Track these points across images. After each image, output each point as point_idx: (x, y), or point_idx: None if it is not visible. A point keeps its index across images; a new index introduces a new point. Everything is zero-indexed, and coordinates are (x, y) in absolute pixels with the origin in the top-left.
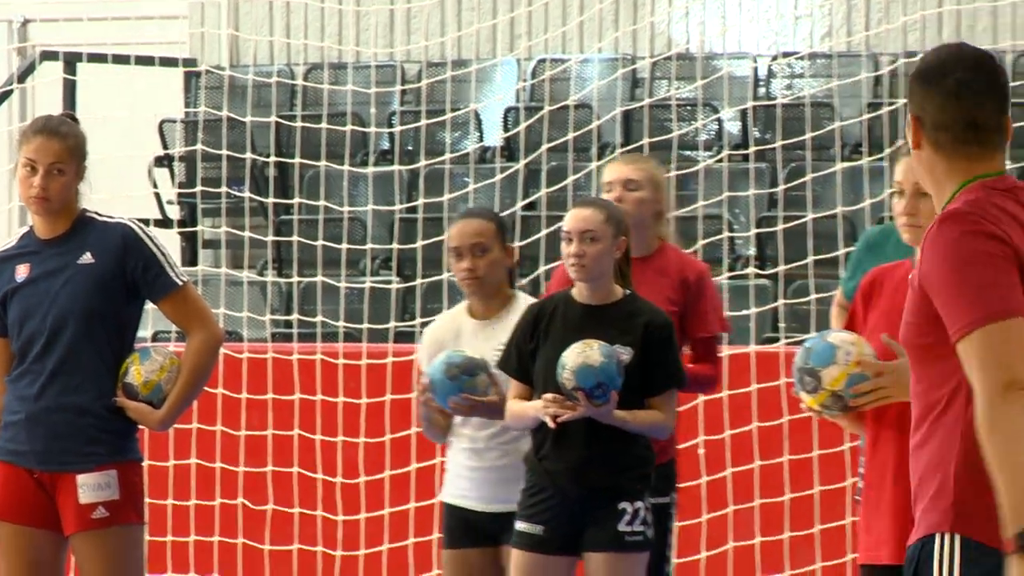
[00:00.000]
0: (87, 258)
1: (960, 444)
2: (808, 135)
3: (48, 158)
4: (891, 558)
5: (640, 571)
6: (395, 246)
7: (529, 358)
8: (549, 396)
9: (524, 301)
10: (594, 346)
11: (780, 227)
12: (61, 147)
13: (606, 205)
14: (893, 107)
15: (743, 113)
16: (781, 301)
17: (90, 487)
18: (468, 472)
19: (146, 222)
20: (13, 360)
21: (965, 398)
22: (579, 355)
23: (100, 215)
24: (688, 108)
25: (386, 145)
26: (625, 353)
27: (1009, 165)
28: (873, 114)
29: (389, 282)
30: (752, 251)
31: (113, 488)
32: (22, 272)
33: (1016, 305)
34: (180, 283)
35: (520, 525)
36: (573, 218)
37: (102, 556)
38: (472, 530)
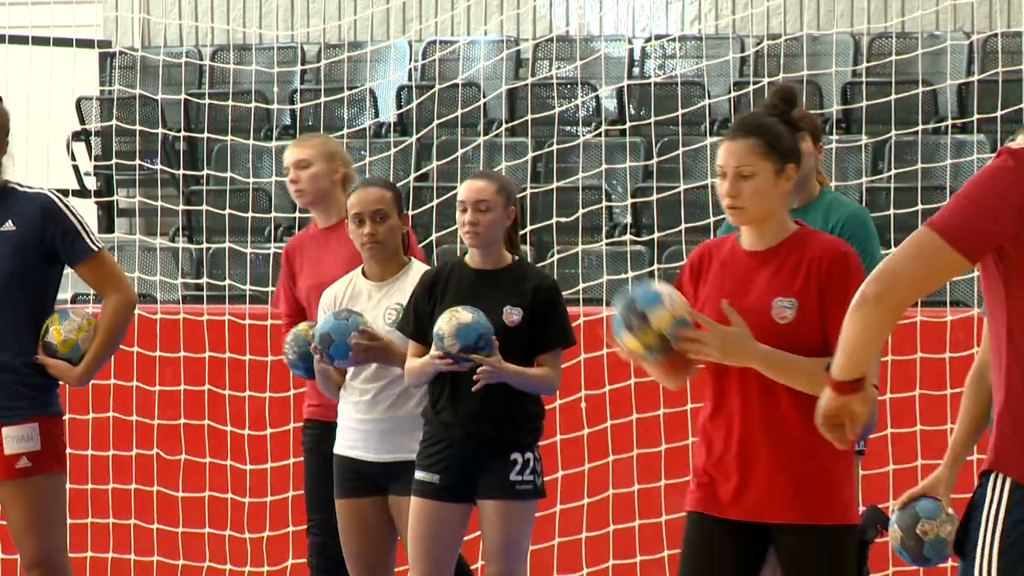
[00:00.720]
0: (8, 226)
1: (1005, 385)
2: (679, 112)
3: None
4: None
5: (529, 518)
6: (297, 215)
7: (427, 320)
8: (437, 353)
9: (418, 266)
10: (459, 309)
11: (654, 197)
12: None
13: (498, 177)
14: (759, 85)
15: (619, 91)
16: (656, 266)
17: (14, 439)
18: (358, 424)
19: (65, 192)
20: None
21: (1007, 341)
22: (451, 320)
23: (21, 186)
24: (568, 86)
25: (288, 121)
26: (515, 314)
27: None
28: (739, 92)
29: None
30: (628, 219)
31: (35, 440)
32: None
33: (963, 236)
34: (96, 249)
35: (418, 474)
36: (467, 189)
37: (25, 502)
38: (363, 479)
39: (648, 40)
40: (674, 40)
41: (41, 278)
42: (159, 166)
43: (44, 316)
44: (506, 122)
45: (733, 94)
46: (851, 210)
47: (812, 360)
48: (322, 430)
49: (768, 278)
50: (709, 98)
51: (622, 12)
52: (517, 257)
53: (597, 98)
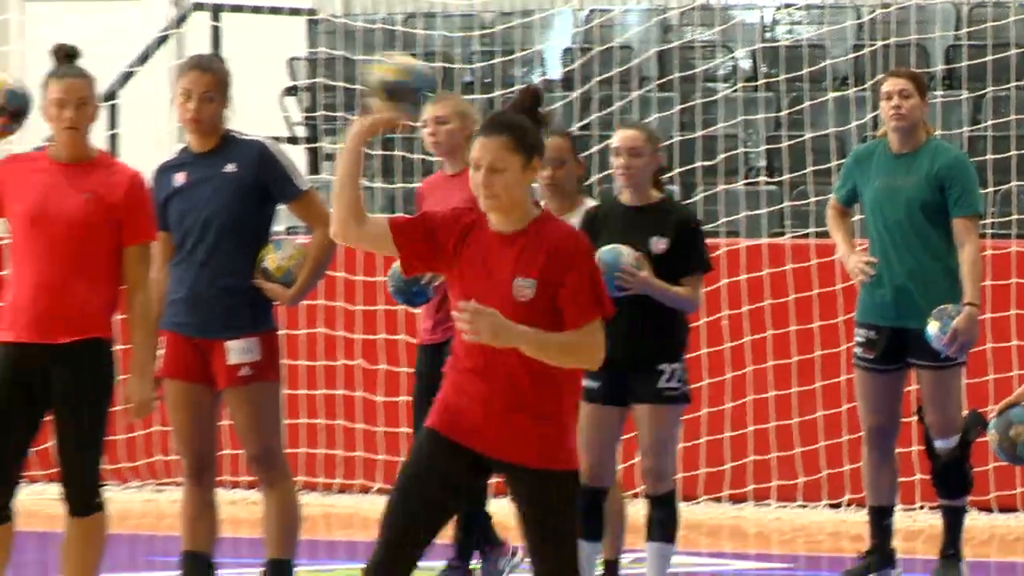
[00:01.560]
0: (230, 168)
1: None
2: (805, 70)
3: (200, 88)
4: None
5: (677, 420)
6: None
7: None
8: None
9: (587, 204)
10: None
11: (784, 144)
12: (211, 79)
13: (646, 128)
14: (873, 47)
15: (753, 53)
16: (787, 203)
17: (237, 351)
18: None
19: (277, 140)
20: (174, 250)
21: None
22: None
23: (241, 134)
24: (709, 49)
25: (468, 79)
26: (661, 243)
27: None
28: (857, 54)
29: None
30: (763, 163)
31: (255, 352)
32: (179, 179)
33: None
34: (304, 189)
35: (583, 381)
36: (621, 137)
37: (247, 406)
38: None
39: (778, 8)
40: (800, 8)
41: (258, 213)
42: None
43: (261, 246)
44: (656, 80)
45: (851, 55)
46: (954, 155)
47: (560, 334)
48: (433, 353)
49: (513, 259)
50: (830, 59)
51: None
52: (663, 195)
53: (734, 59)
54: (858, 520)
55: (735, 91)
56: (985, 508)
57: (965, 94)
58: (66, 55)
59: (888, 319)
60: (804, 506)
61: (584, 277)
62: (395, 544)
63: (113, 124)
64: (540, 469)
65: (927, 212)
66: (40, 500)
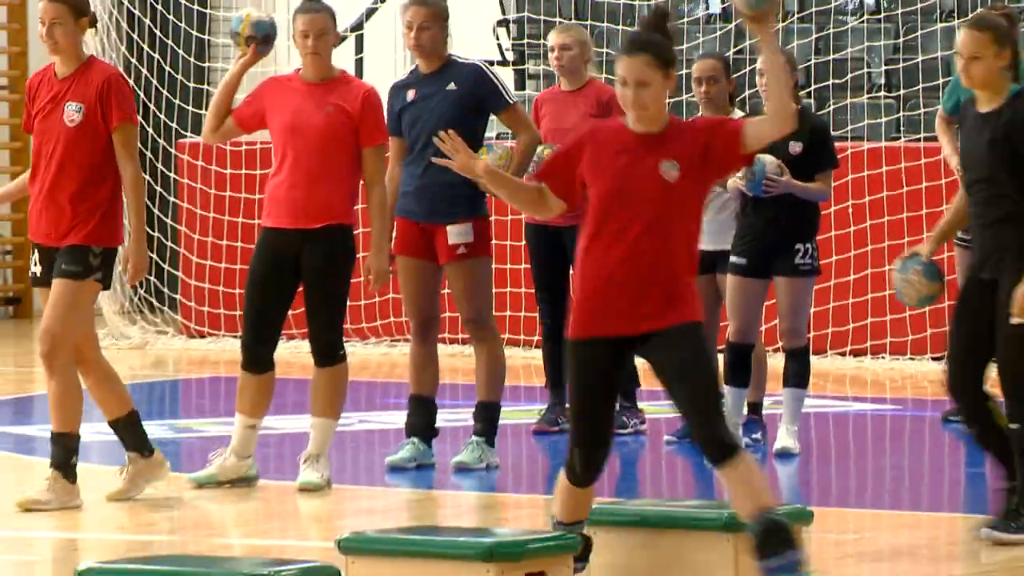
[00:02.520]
0: (451, 86)
1: None
2: (918, 5)
3: (419, 19)
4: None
5: (810, 289)
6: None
7: None
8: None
9: (736, 115)
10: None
11: (900, 65)
12: (428, 12)
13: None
14: None
15: None
16: (902, 113)
17: (455, 233)
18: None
19: (490, 63)
20: (407, 152)
21: None
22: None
23: (460, 58)
24: None
25: (643, 13)
26: (797, 146)
27: None
28: None
29: None
30: (882, 81)
31: (470, 234)
32: (410, 95)
33: None
34: (511, 102)
35: (732, 258)
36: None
37: (463, 278)
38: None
39: None
40: None
41: (473, 123)
42: None
43: (476, 148)
44: (797, 13)
45: None
46: None
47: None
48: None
49: (659, 150)
50: None
51: None
52: (800, 106)
53: None
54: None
55: (861, 22)
56: None
57: None
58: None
59: None
60: (912, 359)
61: (721, 125)
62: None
63: (360, 50)
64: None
65: None
66: (296, 353)
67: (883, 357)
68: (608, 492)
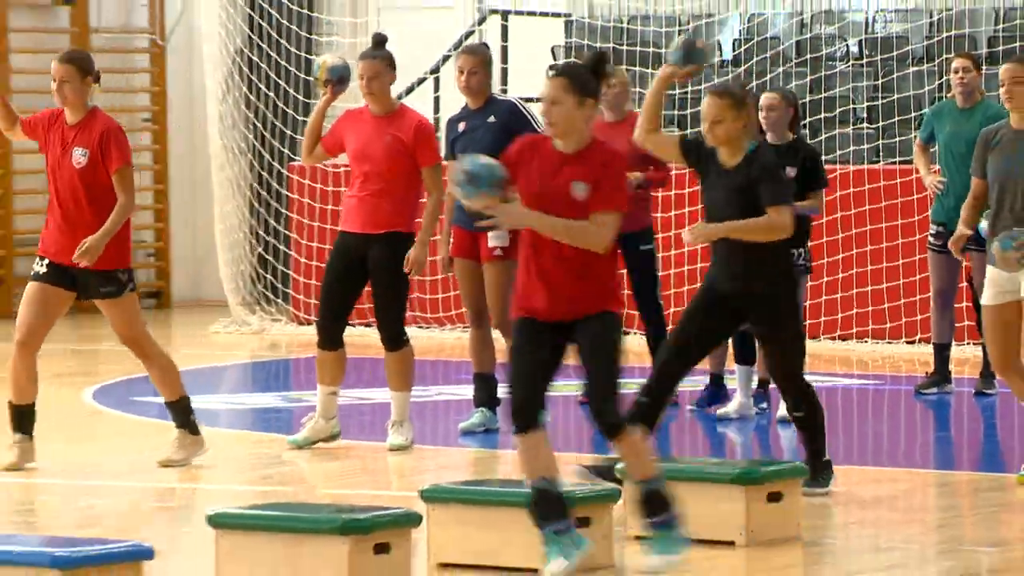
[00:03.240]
0: (492, 119)
1: None
2: (894, 52)
3: (468, 65)
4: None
5: (803, 285)
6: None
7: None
8: None
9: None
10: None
11: (880, 102)
12: (476, 60)
13: (782, 90)
14: (940, 38)
15: (860, 41)
16: (881, 141)
17: (494, 237)
18: None
19: (528, 100)
20: None
21: None
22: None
23: (499, 96)
24: (830, 38)
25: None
26: (791, 171)
27: None
28: (929, 41)
29: None
30: (865, 115)
31: (505, 239)
32: (461, 127)
33: None
34: (539, 131)
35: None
36: (764, 98)
37: (498, 277)
38: None
39: (877, 11)
40: (891, 11)
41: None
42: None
43: None
44: (794, 60)
45: (925, 43)
46: (996, 109)
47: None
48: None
49: (571, 170)
50: (911, 45)
51: None
52: (796, 136)
53: (847, 45)
54: (926, 352)
55: (848, 66)
56: None
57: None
58: (376, 42)
59: (952, 220)
60: (890, 343)
61: (610, 183)
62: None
63: (437, 89)
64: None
65: None
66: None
67: (866, 341)
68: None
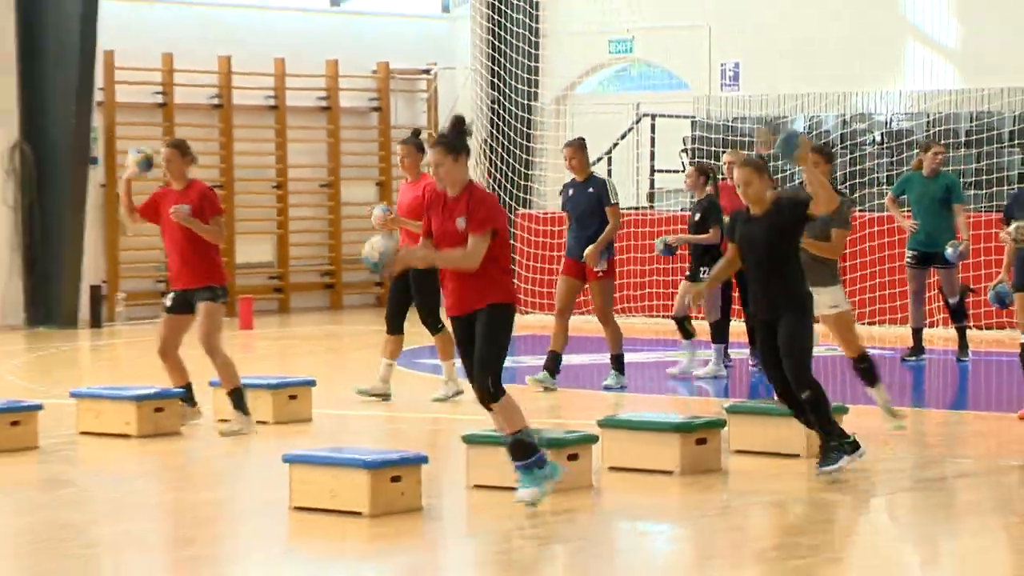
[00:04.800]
0: (590, 190)
1: None
2: (903, 139)
3: (569, 153)
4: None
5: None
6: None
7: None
8: None
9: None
10: None
11: (893, 171)
12: (574, 149)
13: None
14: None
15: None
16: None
17: (591, 258)
18: None
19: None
20: (569, 221)
21: None
22: None
23: (597, 173)
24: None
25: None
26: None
27: None
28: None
29: None
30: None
31: (604, 264)
32: (570, 192)
33: None
34: (613, 201)
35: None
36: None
37: (600, 292)
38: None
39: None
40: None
41: (600, 209)
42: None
43: (602, 223)
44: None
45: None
46: (951, 178)
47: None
48: None
49: (457, 209)
50: (906, 138)
51: None
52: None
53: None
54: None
55: (874, 149)
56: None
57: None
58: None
59: (923, 247)
60: (880, 325)
61: (477, 214)
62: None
63: (610, 164)
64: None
65: (942, 202)
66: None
67: (865, 323)
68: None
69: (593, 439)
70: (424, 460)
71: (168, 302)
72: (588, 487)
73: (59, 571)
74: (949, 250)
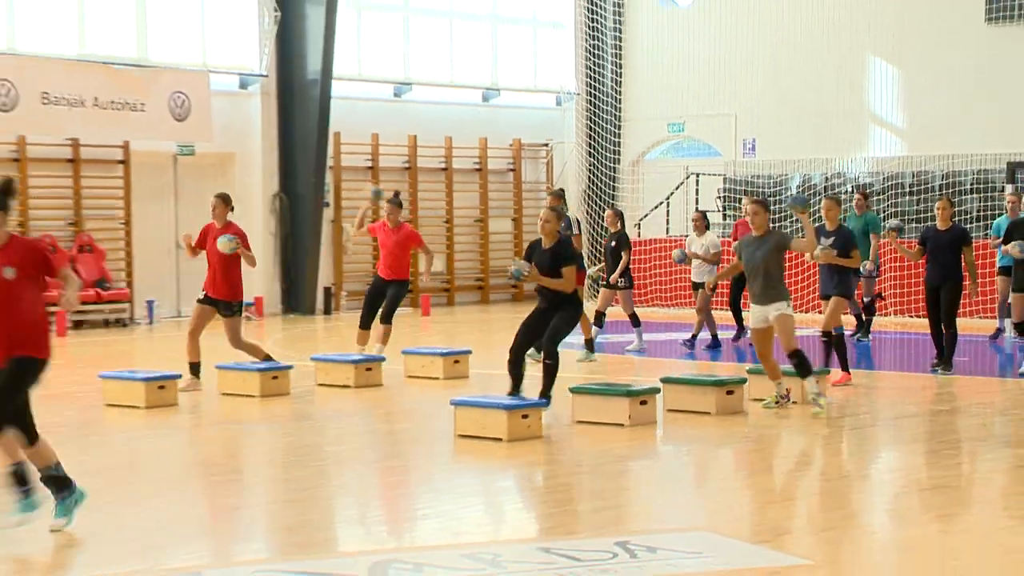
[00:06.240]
0: (613, 243)
1: None
2: (904, 186)
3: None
4: None
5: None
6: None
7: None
8: None
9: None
10: None
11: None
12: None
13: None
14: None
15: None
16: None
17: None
18: None
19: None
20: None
21: None
22: None
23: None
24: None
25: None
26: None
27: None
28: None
29: None
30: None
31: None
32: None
33: None
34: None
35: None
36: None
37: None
38: None
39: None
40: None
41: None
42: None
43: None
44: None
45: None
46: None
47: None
48: None
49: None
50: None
51: None
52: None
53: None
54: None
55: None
56: None
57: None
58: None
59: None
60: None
61: (34, 259)
62: None
63: (668, 215)
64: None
65: (863, 233)
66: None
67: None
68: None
69: (657, 390)
70: (544, 404)
71: (201, 296)
72: (653, 423)
73: (303, 476)
74: (863, 267)
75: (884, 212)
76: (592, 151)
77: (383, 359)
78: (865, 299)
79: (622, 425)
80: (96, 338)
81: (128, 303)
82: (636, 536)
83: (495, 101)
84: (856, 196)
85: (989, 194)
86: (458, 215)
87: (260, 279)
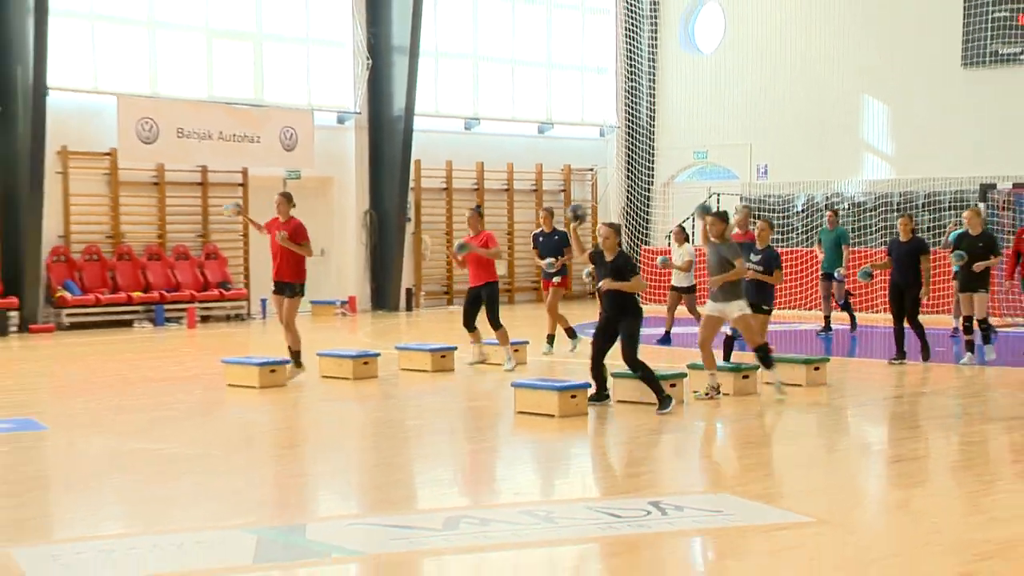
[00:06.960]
0: (556, 238)
1: None
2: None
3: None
4: None
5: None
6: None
7: None
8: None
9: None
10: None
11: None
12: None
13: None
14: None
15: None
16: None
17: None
18: None
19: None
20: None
21: None
22: None
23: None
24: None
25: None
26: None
27: None
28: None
29: None
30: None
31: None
32: (541, 239)
33: None
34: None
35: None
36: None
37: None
38: None
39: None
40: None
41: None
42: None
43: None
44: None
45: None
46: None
47: None
48: None
49: None
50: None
51: None
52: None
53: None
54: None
55: (871, 214)
56: None
57: None
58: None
59: (824, 269)
60: (808, 310)
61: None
62: None
63: (693, 227)
64: None
65: (835, 244)
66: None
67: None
68: None
69: (684, 375)
70: (589, 386)
71: (273, 288)
72: (680, 402)
73: (388, 446)
74: (836, 273)
75: (875, 226)
76: (630, 175)
77: (455, 348)
78: (839, 301)
79: (654, 404)
80: (219, 330)
81: (246, 301)
82: (666, 497)
83: (549, 133)
84: (828, 213)
85: (964, 211)
86: (518, 229)
87: (353, 281)
